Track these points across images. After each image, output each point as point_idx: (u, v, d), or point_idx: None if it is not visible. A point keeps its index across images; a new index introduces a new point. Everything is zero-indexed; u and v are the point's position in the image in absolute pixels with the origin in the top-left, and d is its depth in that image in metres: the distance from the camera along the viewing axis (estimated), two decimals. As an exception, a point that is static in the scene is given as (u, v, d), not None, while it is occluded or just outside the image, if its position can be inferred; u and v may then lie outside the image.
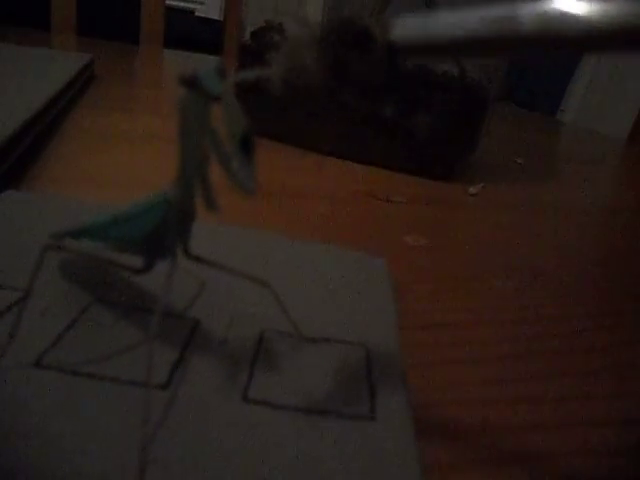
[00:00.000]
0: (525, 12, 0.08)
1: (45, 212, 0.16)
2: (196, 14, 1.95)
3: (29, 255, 0.14)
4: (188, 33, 1.48)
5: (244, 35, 0.37)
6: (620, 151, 0.70)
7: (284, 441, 0.09)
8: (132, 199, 0.21)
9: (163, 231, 0.10)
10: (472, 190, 0.31)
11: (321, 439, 0.10)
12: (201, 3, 2.05)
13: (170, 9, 0.91)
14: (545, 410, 0.13)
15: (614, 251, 0.27)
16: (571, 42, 0.08)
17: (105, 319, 0.12)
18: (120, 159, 0.26)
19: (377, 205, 0.27)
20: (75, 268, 0.13)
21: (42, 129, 0.27)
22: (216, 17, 1.91)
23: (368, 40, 0.09)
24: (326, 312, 0.13)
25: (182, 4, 1.97)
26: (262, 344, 0.12)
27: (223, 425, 0.09)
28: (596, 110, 1.53)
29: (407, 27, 0.10)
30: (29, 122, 0.23)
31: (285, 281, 0.14)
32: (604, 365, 0.16)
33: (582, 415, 0.13)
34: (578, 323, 0.18)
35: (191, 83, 0.09)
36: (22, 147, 0.22)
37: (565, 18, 0.07)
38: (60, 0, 0.82)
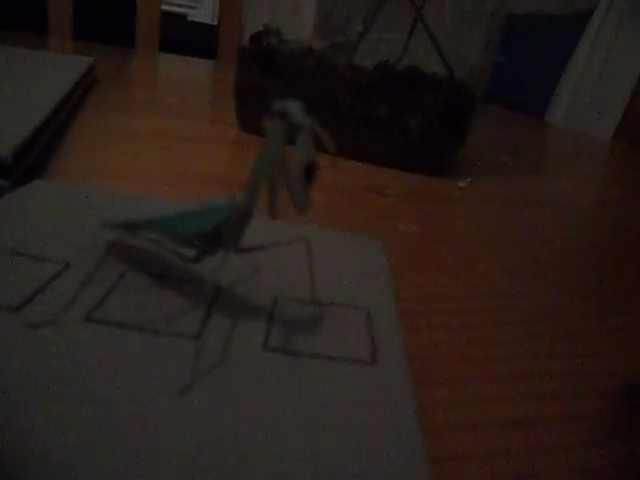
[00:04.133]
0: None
1: (72, 198, 0.18)
2: (189, 18, 1.96)
3: (65, 234, 0.15)
4: (180, 37, 1.50)
5: (243, 39, 0.39)
6: (605, 149, 0.72)
7: (299, 384, 0.11)
8: (140, 189, 0.23)
9: (222, 229, 0.12)
10: (461, 184, 0.33)
11: (329, 379, 0.11)
12: (193, 7, 2.07)
13: (162, 13, 0.92)
14: (520, 384, 0.15)
15: (599, 242, 0.29)
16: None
17: (140, 285, 0.13)
18: (127, 154, 0.28)
19: (373, 198, 0.28)
20: (111, 243, 0.15)
21: (56, 128, 0.28)
22: (208, 21, 1.93)
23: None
24: (331, 282, 0.15)
25: (175, 8, 1.99)
26: (276, 307, 0.14)
27: (246, 369, 0.11)
28: (582, 112, 1.56)
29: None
30: (48, 118, 0.25)
31: (295, 256, 0.16)
32: (579, 341, 0.18)
33: (558, 370, 0.15)
34: (558, 305, 0.20)
35: (282, 114, 0.11)
36: (41, 143, 0.24)
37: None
38: (57, 4, 0.83)
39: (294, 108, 0.11)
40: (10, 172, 0.18)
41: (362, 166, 0.35)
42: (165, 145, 0.31)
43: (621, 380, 0.15)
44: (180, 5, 2.00)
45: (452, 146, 0.35)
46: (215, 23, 1.78)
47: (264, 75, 0.37)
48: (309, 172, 0.11)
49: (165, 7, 1.60)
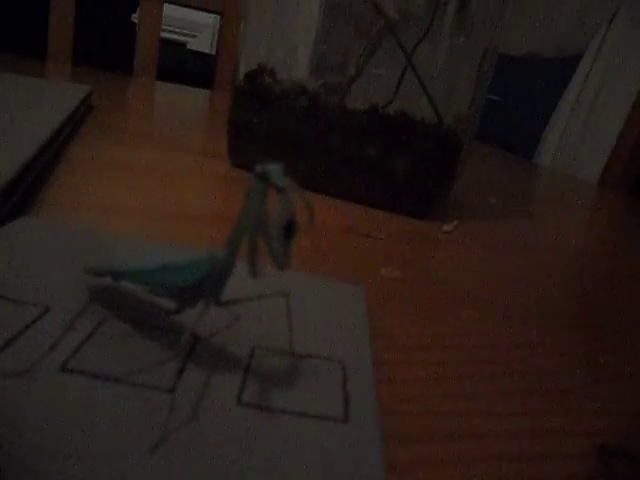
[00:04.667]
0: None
1: (57, 236, 0.18)
2: (187, 47, 2.00)
3: (47, 275, 0.16)
4: (179, 65, 1.52)
5: (237, 75, 0.39)
6: (591, 194, 0.73)
7: (270, 439, 0.11)
8: (128, 226, 0.23)
9: (203, 283, 0.12)
10: (445, 228, 0.34)
11: (300, 436, 0.11)
12: (193, 36, 2.10)
13: (161, 40, 0.94)
14: (492, 422, 0.15)
15: (582, 292, 0.30)
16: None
17: (118, 332, 0.13)
18: (117, 188, 0.28)
19: (357, 240, 0.29)
20: (92, 289, 0.15)
21: (48, 159, 0.29)
22: (207, 51, 1.96)
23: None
24: (309, 333, 0.15)
25: (174, 36, 2.02)
26: (253, 358, 0.14)
27: (218, 425, 0.11)
28: (570, 155, 1.59)
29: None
30: (38, 153, 0.25)
31: (274, 305, 0.16)
32: (555, 398, 0.18)
33: (532, 430, 0.15)
34: (538, 351, 0.20)
35: (262, 176, 0.11)
36: (31, 177, 0.24)
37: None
38: (58, 29, 0.84)
39: (275, 171, 0.11)
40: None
41: (348, 205, 0.35)
42: (156, 179, 0.32)
43: (598, 440, 0.15)
44: (179, 33, 2.04)
45: (438, 190, 0.36)
46: (214, 53, 1.82)
47: (257, 113, 0.37)
48: (289, 231, 0.12)
49: (164, 35, 1.63)
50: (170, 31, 1.94)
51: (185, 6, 0.94)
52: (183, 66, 1.56)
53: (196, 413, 0.11)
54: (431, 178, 0.35)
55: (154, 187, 0.30)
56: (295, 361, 0.14)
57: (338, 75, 0.40)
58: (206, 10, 0.95)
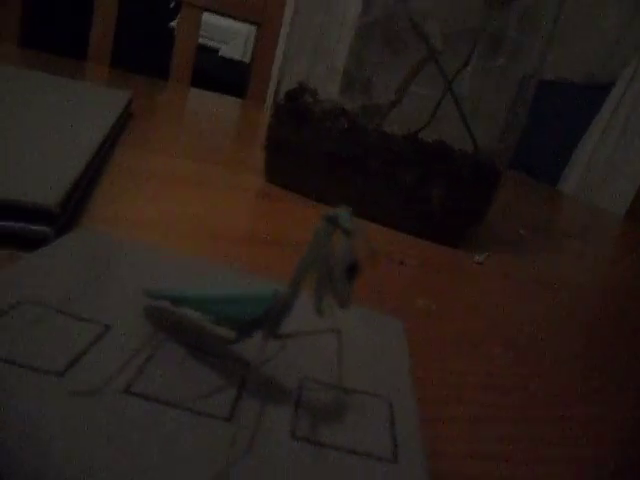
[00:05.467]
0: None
1: (112, 249, 0.19)
2: (220, 53, 2.02)
3: (106, 292, 0.16)
4: (210, 71, 1.53)
5: (279, 93, 0.40)
6: (617, 227, 0.73)
7: (323, 475, 0.11)
8: (164, 242, 0.23)
9: (263, 318, 0.13)
10: (478, 259, 0.34)
11: (351, 474, 0.12)
12: (226, 43, 2.13)
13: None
14: (523, 469, 0.15)
15: (604, 330, 0.30)
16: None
17: (177, 356, 0.14)
18: (152, 201, 0.29)
19: (392, 266, 0.29)
20: (150, 311, 0.16)
21: (94, 168, 0.29)
22: (239, 58, 1.98)
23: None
24: (354, 367, 0.16)
25: (207, 42, 2.04)
26: (303, 391, 0.14)
27: (275, 458, 0.11)
28: (595, 185, 1.57)
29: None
30: (88, 164, 0.26)
31: (321, 336, 0.16)
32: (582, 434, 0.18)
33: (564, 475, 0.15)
34: (564, 398, 0.20)
35: (332, 220, 0.12)
36: (82, 188, 0.25)
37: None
38: (99, 31, 0.86)
39: (344, 216, 0.12)
40: (56, 220, 0.19)
41: (382, 229, 0.35)
42: (191, 192, 0.32)
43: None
44: (213, 39, 2.06)
45: (472, 221, 0.36)
46: (247, 61, 1.84)
47: (296, 131, 0.38)
48: (351, 272, 0.12)
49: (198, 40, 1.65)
50: (203, 37, 1.97)
51: (224, 15, 0.96)
52: (215, 72, 1.58)
53: (253, 445, 0.12)
54: (466, 208, 0.35)
55: (190, 201, 0.31)
56: (343, 396, 0.14)
57: (375, 96, 0.41)
58: (244, 20, 0.97)
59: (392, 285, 0.27)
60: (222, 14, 0.94)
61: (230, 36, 2.12)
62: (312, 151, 0.37)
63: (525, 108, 0.41)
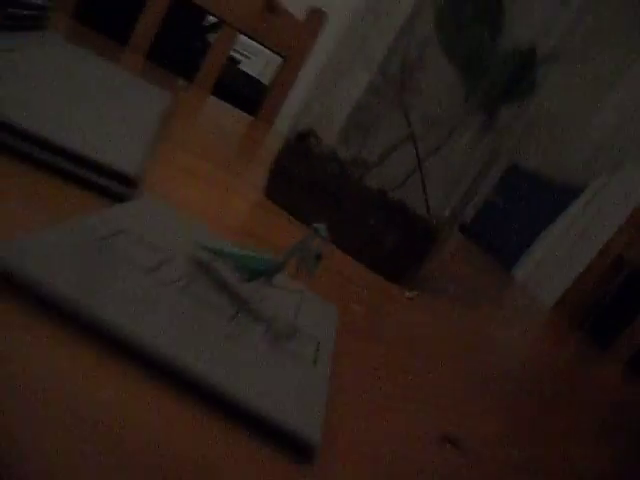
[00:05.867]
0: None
1: (171, 214, 0.29)
2: (239, 66, 2.13)
3: (169, 238, 0.26)
4: (228, 81, 1.64)
5: (292, 131, 0.50)
6: (540, 313, 0.85)
7: (272, 359, 0.21)
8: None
9: (265, 271, 0.23)
10: (408, 295, 0.44)
11: (289, 365, 0.21)
12: (247, 57, 2.25)
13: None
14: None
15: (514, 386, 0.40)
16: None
17: (208, 284, 0.24)
18: (199, 196, 0.39)
19: (343, 281, 0.39)
20: (196, 258, 0.25)
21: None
22: (255, 75, 2.09)
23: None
24: (304, 314, 0.26)
25: (231, 53, 2.15)
26: (271, 319, 0.24)
27: (250, 342, 0.21)
28: (545, 274, 1.72)
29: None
30: (149, 150, 0.36)
31: (286, 298, 0.26)
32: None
33: (411, 417, 0.25)
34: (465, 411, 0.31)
35: (317, 230, 0.21)
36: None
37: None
38: (145, 25, 0.96)
39: (322, 228, 0.22)
40: (133, 184, 0.29)
41: (345, 256, 0.46)
42: (196, 187, 0.42)
43: None
44: (236, 51, 2.17)
45: (410, 265, 0.47)
46: (261, 80, 1.95)
47: (298, 164, 0.48)
48: (318, 258, 0.22)
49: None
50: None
51: (256, 41, 1.07)
52: (230, 82, 1.68)
53: (241, 334, 0.21)
54: (406, 255, 0.46)
55: (194, 194, 0.41)
56: (295, 326, 0.24)
57: (365, 151, 0.52)
58: (273, 51, 1.08)
59: (337, 291, 0.37)
60: (255, 40, 1.06)
61: (252, 52, 2.23)
62: (306, 183, 0.48)
63: (484, 185, 0.52)
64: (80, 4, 0.90)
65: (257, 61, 2.22)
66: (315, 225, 0.22)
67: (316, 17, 1.06)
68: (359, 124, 0.54)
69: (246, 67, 2.17)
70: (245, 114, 1.02)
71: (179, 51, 1.17)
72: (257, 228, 0.41)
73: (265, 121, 1.04)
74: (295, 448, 0.17)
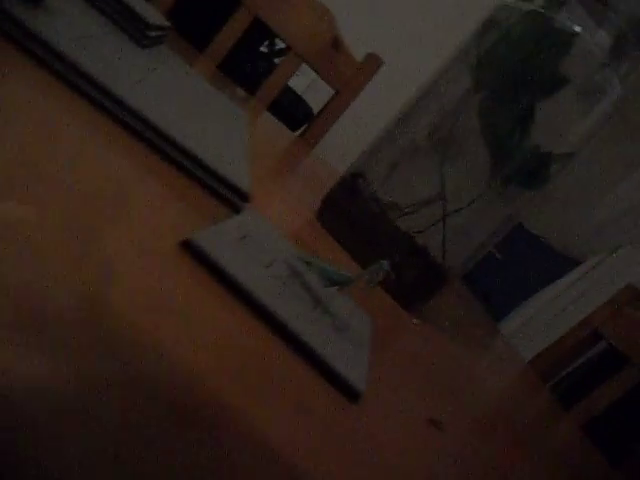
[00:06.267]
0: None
1: (267, 224, 0.40)
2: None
3: (270, 245, 0.37)
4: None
5: (349, 172, 0.62)
6: (514, 370, 0.95)
7: (320, 318, 0.32)
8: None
9: (339, 283, 0.34)
10: (415, 321, 0.55)
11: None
12: (296, 74, 2.36)
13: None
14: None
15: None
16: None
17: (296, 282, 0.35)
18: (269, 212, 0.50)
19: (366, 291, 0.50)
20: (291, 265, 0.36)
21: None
22: (299, 92, 2.21)
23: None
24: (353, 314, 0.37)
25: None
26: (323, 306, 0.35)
27: (305, 306, 0.32)
28: (530, 335, 1.82)
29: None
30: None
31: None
32: None
33: None
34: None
35: (381, 263, 0.33)
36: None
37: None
38: (225, 37, 1.07)
39: (385, 263, 0.33)
40: (247, 199, 0.40)
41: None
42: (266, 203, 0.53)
43: None
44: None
45: (419, 299, 0.58)
46: (303, 96, 2.07)
47: (346, 200, 0.60)
48: (378, 282, 0.33)
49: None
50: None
51: (316, 72, 1.19)
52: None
53: (305, 297, 0.32)
54: (420, 290, 0.57)
55: (268, 213, 0.52)
56: (342, 315, 0.35)
57: (401, 198, 0.63)
58: (328, 83, 1.20)
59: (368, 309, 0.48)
60: (315, 71, 1.18)
61: (302, 70, 2.35)
62: (350, 217, 0.59)
63: (492, 241, 0.63)
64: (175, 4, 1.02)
65: (303, 78, 2.34)
66: (382, 261, 0.33)
67: (373, 61, 1.18)
68: (401, 175, 0.65)
69: (292, 82, 2.28)
70: (290, 132, 1.13)
71: (245, 66, 1.29)
72: (310, 243, 0.52)
73: (309, 143, 1.15)
74: (346, 392, 0.28)
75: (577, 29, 0.52)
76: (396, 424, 0.31)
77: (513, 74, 0.58)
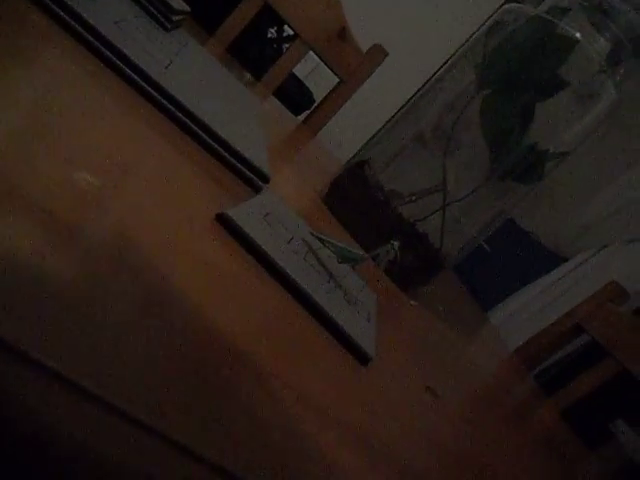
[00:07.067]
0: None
1: (283, 206, 0.43)
2: (289, 66, 2.26)
3: (287, 224, 0.40)
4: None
5: (355, 158, 0.65)
6: (508, 358, 1.00)
7: (335, 295, 0.36)
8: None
9: (352, 260, 0.37)
10: (412, 302, 0.59)
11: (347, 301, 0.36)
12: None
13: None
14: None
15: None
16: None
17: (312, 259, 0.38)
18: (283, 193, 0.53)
19: (369, 270, 0.54)
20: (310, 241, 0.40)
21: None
22: (301, 77, 2.23)
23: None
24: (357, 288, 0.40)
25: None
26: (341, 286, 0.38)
27: (322, 282, 0.36)
28: (518, 326, 1.87)
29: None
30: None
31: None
32: None
33: None
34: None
35: (391, 243, 0.36)
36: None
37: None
38: (234, 21, 1.09)
39: (396, 243, 0.36)
40: (267, 181, 0.43)
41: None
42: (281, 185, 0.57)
43: None
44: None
45: (416, 281, 0.61)
46: (305, 82, 2.09)
47: (352, 186, 0.63)
48: (388, 261, 0.37)
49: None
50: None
51: (322, 60, 1.21)
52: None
53: (322, 273, 0.36)
54: (418, 274, 0.61)
55: (283, 193, 0.55)
56: (354, 291, 0.39)
57: (404, 187, 0.66)
58: (333, 72, 1.22)
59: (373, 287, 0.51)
60: (321, 60, 1.20)
61: (305, 56, 2.37)
62: (356, 203, 0.62)
63: (485, 233, 0.67)
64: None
65: (306, 64, 2.35)
66: (392, 241, 0.36)
67: (378, 53, 1.21)
68: (404, 165, 0.69)
69: (297, 70, 2.30)
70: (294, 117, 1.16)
71: (254, 50, 1.31)
72: (317, 224, 0.55)
73: (311, 129, 1.18)
74: (358, 356, 0.32)
75: (578, 35, 0.55)
76: (399, 387, 0.35)
77: (515, 74, 0.61)
